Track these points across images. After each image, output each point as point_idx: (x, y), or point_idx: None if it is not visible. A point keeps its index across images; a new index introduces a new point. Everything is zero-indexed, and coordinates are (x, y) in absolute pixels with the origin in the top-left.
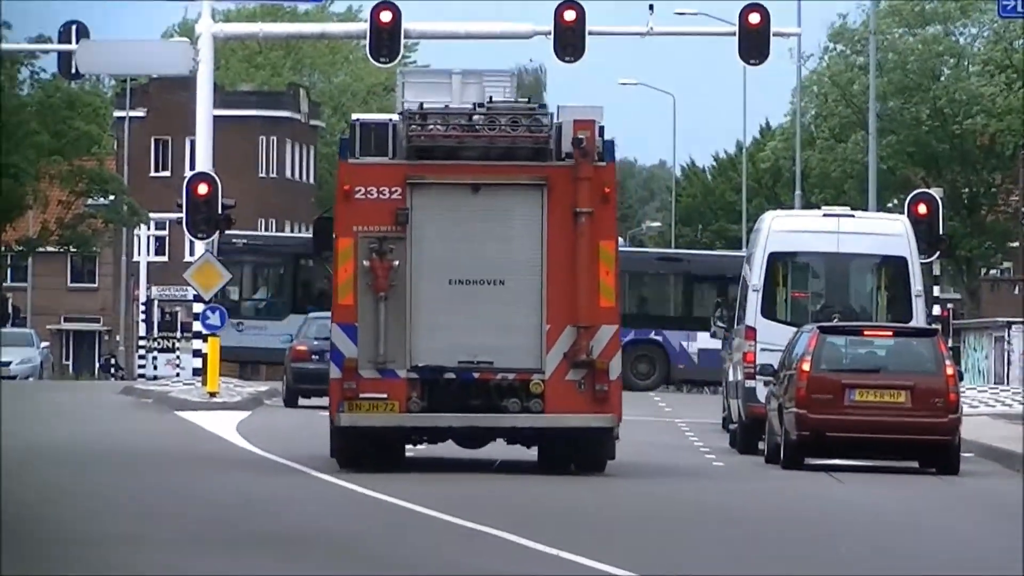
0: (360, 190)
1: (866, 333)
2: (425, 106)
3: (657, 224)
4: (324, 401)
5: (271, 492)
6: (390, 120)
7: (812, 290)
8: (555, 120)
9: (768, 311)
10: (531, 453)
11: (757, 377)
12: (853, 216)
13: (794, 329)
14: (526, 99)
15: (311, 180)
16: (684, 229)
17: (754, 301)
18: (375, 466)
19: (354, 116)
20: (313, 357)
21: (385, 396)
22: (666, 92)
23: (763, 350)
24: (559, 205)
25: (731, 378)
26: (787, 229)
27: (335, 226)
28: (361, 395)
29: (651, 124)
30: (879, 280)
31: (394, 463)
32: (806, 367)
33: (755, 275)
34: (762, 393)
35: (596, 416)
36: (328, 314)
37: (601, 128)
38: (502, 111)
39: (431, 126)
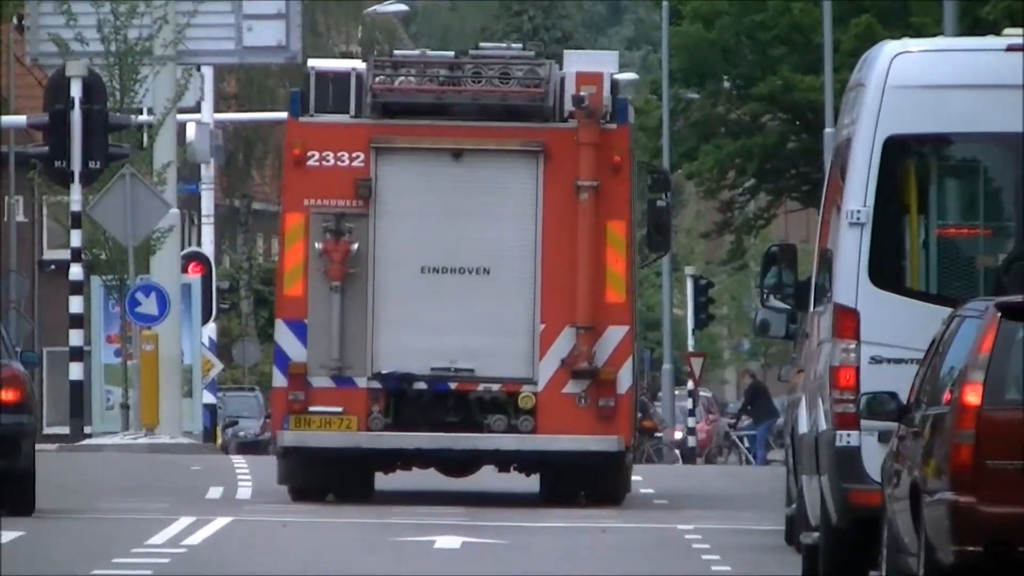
0: (314, 155)
1: None
2: (396, 53)
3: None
4: None
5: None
6: (352, 69)
7: (984, 222)
8: (556, 71)
9: (885, 272)
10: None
11: (863, 422)
12: None
13: (943, 310)
14: (520, 45)
15: None
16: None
17: (852, 251)
18: (337, 496)
19: (310, 63)
20: None
21: (340, 410)
22: None
23: (875, 360)
24: (558, 176)
25: (803, 425)
26: (927, 82)
27: (282, 198)
28: (311, 408)
29: None
30: None
31: (360, 494)
32: (973, 397)
33: (853, 190)
34: (876, 457)
35: (599, 438)
36: None
37: (613, 82)
38: (490, 60)
39: (402, 77)
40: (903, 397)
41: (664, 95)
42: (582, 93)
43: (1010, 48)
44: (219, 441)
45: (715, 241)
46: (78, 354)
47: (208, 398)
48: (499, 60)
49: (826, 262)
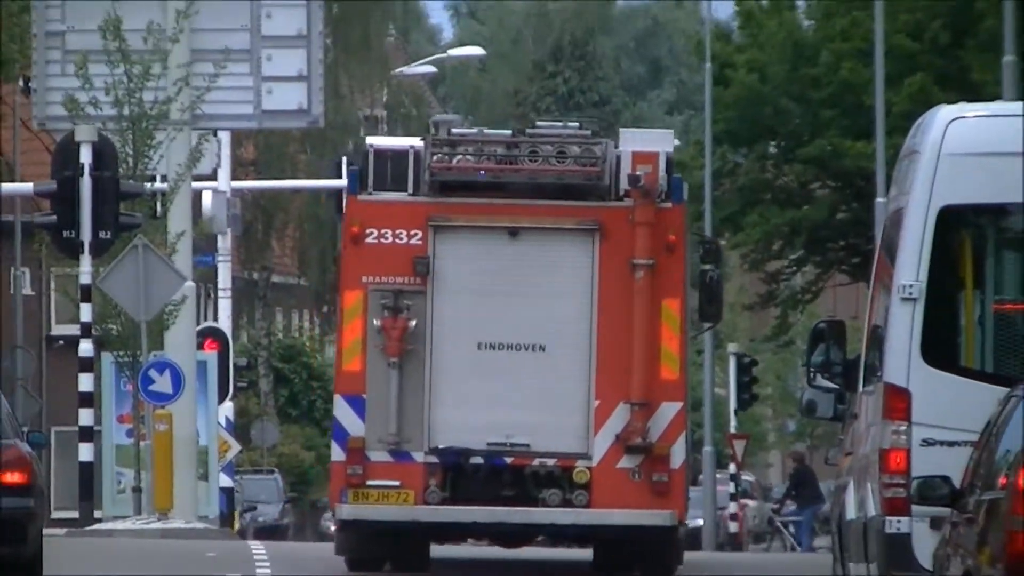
0: (372, 232)
1: None
2: (453, 131)
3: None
4: None
5: None
6: (411, 147)
7: None
8: (612, 149)
9: (939, 349)
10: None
11: (914, 507)
12: None
13: (1000, 390)
14: (576, 124)
15: None
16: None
17: (904, 327)
18: (394, 565)
19: (368, 140)
20: None
21: (398, 484)
22: None
23: (927, 443)
24: (614, 255)
25: (851, 511)
26: (984, 149)
27: (340, 275)
28: (369, 482)
29: None
30: None
31: (417, 564)
32: None
33: (906, 263)
34: (928, 545)
35: (653, 513)
36: None
37: (669, 160)
38: (547, 138)
39: (460, 156)
40: (956, 481)
41: (707, 158)
42: (638, 172)
43: None
44: (236, 526)
45: (759, 316)
46: (88, 434)
47: (225, 481)
48: (555, 139)
49: (876, 339)
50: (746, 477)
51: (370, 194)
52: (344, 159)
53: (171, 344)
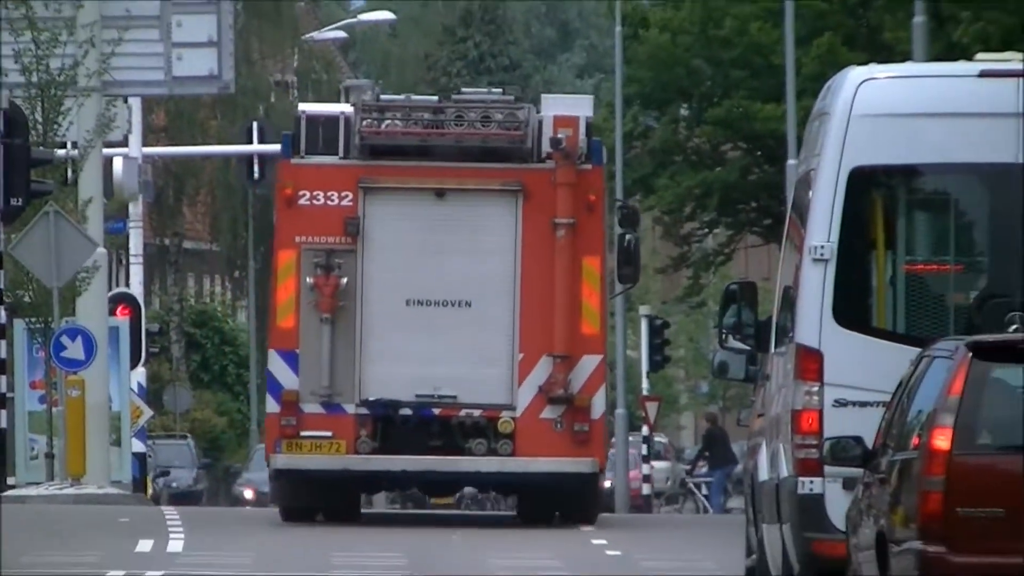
0: (304, 195)
1: None
2: (382, 97)
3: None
4: None
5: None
6: (341, 113)
7: (956, 258)
8: (534, 114)
9: (850, 310)
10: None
11: (827, 468)
12: None
13: (912, 351)
14: (499, 90)
15: None
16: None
17: (815, 289)
18: (325, 516)
19: (300, 106)
20: None
21: (330, 434)
22: None
23: (839, 403)
24: (536, 214)
25: (764, 472)
26: (895, 111)
27: (275, 236)
28: (302, 433)
29: None
30: None
31: (347, 515)
32: (943, 442)
33: (817, 224)
34: (840, 505)
35: (575, 460)
36: None
37: (588, 124)
38: (472, 104)
39: (389, 120)
40: (869, 442)
41: (618, 120)
42: (559, 136)
43: (983, 74)
44: (150, 492)
45: (671, 278)
46: (0, 401)
47: (137, 446)
48: (480, 104)
49: (788, 300)
50: (659, 439)
51: (302, 158)
52: (255, 124)
53: (83, 310)
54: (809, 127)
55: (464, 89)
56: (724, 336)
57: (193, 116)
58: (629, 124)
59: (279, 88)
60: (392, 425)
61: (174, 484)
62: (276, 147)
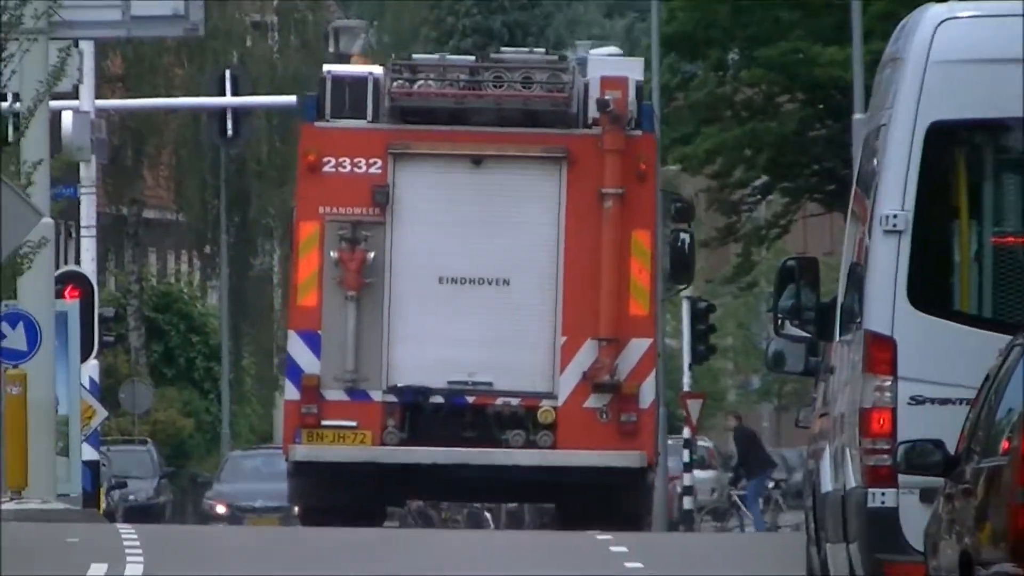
0: (329, 161)
1: None
2: (415, 57)
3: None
4: None
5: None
6: (370, 74)
7: None
8: (580, 76)
9: (928, 290)
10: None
11: (901, 477)
12: None
13: (1001, 338)
14: (543, 49)
15: None
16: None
17: (887, 266)
18: (348, 521)
19: (325, 67)
20: None
21: (354, 424)
22: None
23: (916, 401)
24: (582, 184)
25: (827, 482)
26: (979, 55)
27: (296, 206)
28: (324, 422)
29: None
30: None
31: (371, 519)
32: None
33: (889, 190)
34: (918, 521)
35: (621, 454)
36: None
37: (639, 87)
38: (512, 64)
39: (421, 81)
40: (951, 446)
41: (655, 68)
42: (607, 97)
43: None
44: (103, 506)
45: (717, 253)
46: None
47: (89, 453)
48: (521, 64)
49: (855, 279)
50: (702, 443)
51: (327, 122)
52: (228, 72)
53: (26, 292)
54: (879, 75)
55: (504, 48)
56: (780, 322)
57: (155, 63)
58: (666, 74)
59: (256, 30)
60: (422, 414)
61: (132, 497)
62: (251, 99)
